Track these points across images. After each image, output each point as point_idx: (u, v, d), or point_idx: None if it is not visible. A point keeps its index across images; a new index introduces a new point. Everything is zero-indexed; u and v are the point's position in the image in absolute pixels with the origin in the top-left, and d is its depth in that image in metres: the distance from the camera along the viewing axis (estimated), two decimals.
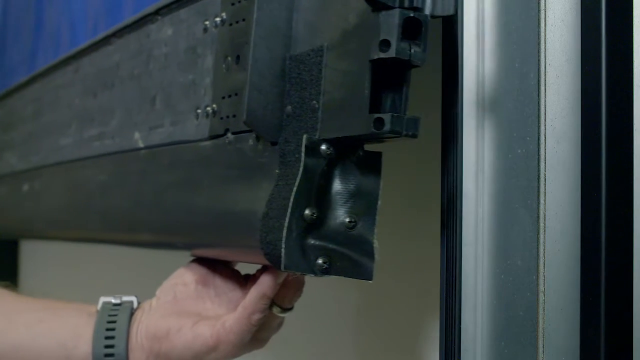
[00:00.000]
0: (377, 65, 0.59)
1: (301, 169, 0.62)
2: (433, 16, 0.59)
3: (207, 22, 0.78)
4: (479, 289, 0.63)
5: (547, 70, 0.59)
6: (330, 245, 0.63)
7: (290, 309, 0.72)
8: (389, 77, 0.60)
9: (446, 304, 0.64)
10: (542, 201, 0.59)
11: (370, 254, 0.62)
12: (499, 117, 0.63)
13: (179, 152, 0.81)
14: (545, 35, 0.59)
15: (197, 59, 0.80)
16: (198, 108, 0.79)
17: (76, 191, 1.08)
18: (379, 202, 0.64)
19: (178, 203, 0.81)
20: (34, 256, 1.81)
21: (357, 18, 0.61)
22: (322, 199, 0.64)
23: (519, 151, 0.61)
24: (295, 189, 0.62)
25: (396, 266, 0.84)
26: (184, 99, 0.81)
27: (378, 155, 0.64)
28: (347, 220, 0.64)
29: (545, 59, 0.59)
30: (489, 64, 0.63)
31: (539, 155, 0.59)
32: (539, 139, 0.59)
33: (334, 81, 0.63)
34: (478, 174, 0.64)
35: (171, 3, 0.85)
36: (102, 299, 0.76)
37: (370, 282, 0.63)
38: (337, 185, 0.64)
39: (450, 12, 0.60)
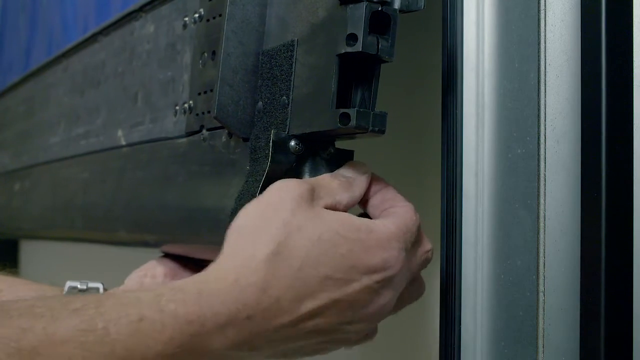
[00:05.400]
0: (345, 60, 0.58)
1: (268, 165, 0.62)
2: (402, 11, 0.59)
3: (186, 18, 0.78)
4: (479, 289, 0.63)
5: (547, 70, 0.59)
6: None
7: None
8: (358, 73, 0.60)
9: (446, 303, 0.64)
10: (542, 201, 0.59)
11: None
12: (498, 117, 0.63)
13: (157, 149, 0.81)
14: (545, 35, 0.59)
15: (176, 55, 0.80)
16: (176, 105, 0.78)
17: (62, 190, 1.08)
18: None
19: (152, 200, 0.80)
20: (34, 256, 1.81)
21: (326, 12, 0.60)
22: None
23: (519, 151, 0.61)
24: (260, 185, 0.62)
25: None
26: (164, 96, 0.81)
27: (350, 153, 0.64)
28: None
29: (545, 59, 0.59)
30: (489, 64, 0.63)
31: (539, 155, 0.59)
32: (539, 139, 0.59)
33: (303, 76, 0.62)
34: (478, 174, 0.64)
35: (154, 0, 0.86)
36: (69, 283, 0.75)
37: None
38: None
39: (420, 7, 0.60)
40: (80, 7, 1.32)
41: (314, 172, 0.64)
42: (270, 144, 0.62)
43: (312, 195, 0.58)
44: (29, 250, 1.85)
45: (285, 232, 0.56)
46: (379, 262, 0.57)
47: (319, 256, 0.56)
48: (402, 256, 0.58)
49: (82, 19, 1.31)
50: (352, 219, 0.58)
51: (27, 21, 1.61)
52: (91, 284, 0.76)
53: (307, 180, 0.60)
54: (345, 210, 0.60)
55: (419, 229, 0.61)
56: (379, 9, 0.58)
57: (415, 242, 0.60)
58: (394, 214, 0.60)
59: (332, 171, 0.64)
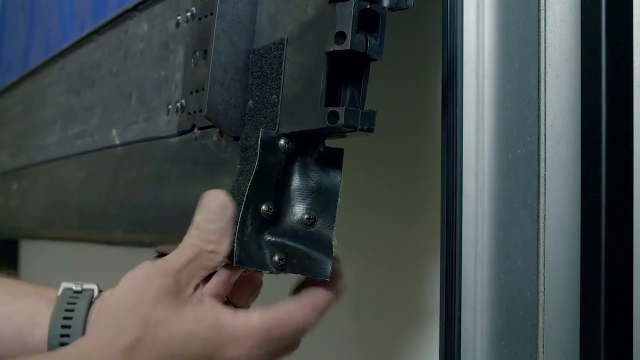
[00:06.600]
0: (334, 58, 0.58)
1: (257, 163, 0.62)
2: (391, 9, 0.59)
3: (179, 17, 0.78)
4: (479, 289, 0.63)
5: (547, 70, 0.59)
6: (288, 242, 0.63)
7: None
8: (348, 71, 0.60)
9: (446, 303, 0.64)
10: (542, 201, 0.59)
11: (328, 252, 0.62)
12: (498, 117, 0.63)
13: (150, 148, 0.81)
14: (545, 35, 0.59)
15: (169, 54, 0.80)
16: (169, 104, 0.78)
17: (59, 190, 1.08)
18: (339, 200, 0.63)
19: (146, 200, 0.80)
20: (34, 256, 1.81)
21: (315, 10, 0.60)
22: (280, 194, 0.63)
23: (519, 151, 0.61)
24: (250, 183, 0.62)
25: (395, 266, 0.84)
26: (157, 95, 0.81)
27: (339, 152, 0.64)
28: (306, 217, 0.63)
29: (545, 59, 0.59)
30: (489, 64, 0.63)
31: (539, 155, 0.59)
32: (539, 139, 0.59)
33: (293, 75, 0.62)
34: (478, 174, 0.64)
35: None
36: (63, 285, 0.76)
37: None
38: (296, 181, 0.64)
39: (410, 5, 0.59)
40: (78, 6, 1.33)
41: (304, 171, 0.64)
42: (259, 142, 0.62)
43: (176, 287, 0.62)
44: (28, 251, 1.85)
45: (144, 328, 0.61)
46: (229, 358, 0.60)
47: (172, 356, 0.60)
48: (256, 354, 0.60)
49: (79, 18, 1.31)
50: (210, 313, 0.61)
51: (26, 21, 1.61)
52: (86, 285, 0.76)
53: (170, 269, 0.62)
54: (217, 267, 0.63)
55: (298, 332, 0.62)
56: (368, 6, 0.57)
57: (288, 345, 0.62)
58: (272, 307, 0.62)
59: (322, 170, 0.63)
